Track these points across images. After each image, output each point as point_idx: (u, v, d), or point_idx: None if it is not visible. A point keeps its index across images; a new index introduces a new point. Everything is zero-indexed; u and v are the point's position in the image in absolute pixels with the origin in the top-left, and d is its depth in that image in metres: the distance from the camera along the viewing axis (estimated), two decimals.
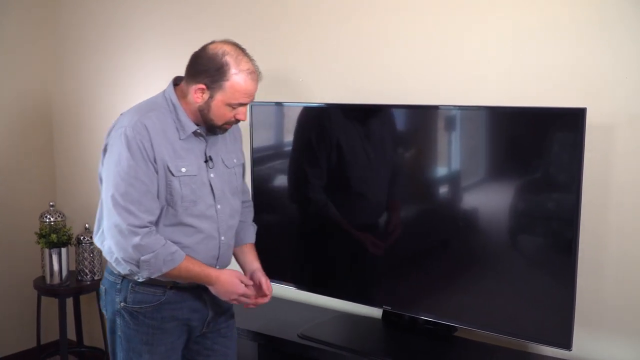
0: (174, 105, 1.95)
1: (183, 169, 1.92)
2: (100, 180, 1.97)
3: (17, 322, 3.52)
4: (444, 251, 2.20)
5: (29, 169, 3.56)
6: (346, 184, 2.38)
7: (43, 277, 3.17)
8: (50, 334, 3.49)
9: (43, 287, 3.15)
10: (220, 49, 1.90)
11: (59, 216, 3.16)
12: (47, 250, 3.09)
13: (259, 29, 2.74)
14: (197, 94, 1.92)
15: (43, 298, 3.26)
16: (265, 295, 2.08)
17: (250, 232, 2.24)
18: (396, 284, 2.30)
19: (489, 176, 2.14)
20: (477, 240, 2.13)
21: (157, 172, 1.88)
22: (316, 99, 2.56)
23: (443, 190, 2.25)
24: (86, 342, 3.47)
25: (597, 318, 2.10)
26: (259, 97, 2.67)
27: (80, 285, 3.17)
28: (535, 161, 2.03)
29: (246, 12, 2.78)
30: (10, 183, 3.48)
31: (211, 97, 1.91)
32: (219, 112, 1.93)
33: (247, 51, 1.95)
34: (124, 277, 1.97)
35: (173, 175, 1.90)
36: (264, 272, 2.13)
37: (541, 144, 2.00)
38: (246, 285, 2.02)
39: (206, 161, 1.99)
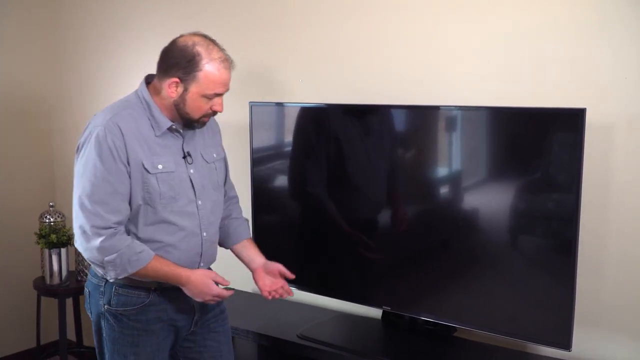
0: (147, 102, 1.93)
1: (160, 166, 1.91)
2: None
3: (17, 322, 3.52)
4: (444, 251, 2.20)
5: (28, 169, 3.56)
6: (346, 184, 2.37)
7: (43, 278, 3.17)
8: (50, 334, 3.49)
9: (43, 288, 3.15)
10: (190, 40, 1.89)
11: (58, 216, 3.16)
12: (46, 251, 3.09)
13: (259, 29, 2.74)
14: (171, 89, 1.90)
15: (43, 298, 3.26)
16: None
17: (245, 227, 2.23)
18: (396, 284, 2.30)
19: (489, 176, 2.13)
20: (477, 240, 2.13)
21: (129, 172, 1.87)
22: (316, 99, 2.56)
23: (443, 190, 2.25)
24: (86, 342, 3.46)
25: (597, 318, 2.10)
26: (259, 98, 2.69)
27: (80, 286, 3.16)
28: (535, 161, 2.03)
29: (246, 12, 2.78)
30: (10, 183, 3.48)
31: (186, 89, 1.89)
32: (195, 104, 1.91)
33: (218, 42, 1.93)
34: (107, 280, 1.94)
35: (149, 172, 1.89)
36: (272, 261, 2.15)
37: (541, 144, 2.00)
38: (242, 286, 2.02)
39: (184, 157, 1.98)
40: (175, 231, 1.94)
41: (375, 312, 2.44)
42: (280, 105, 2.54)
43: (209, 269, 2.07)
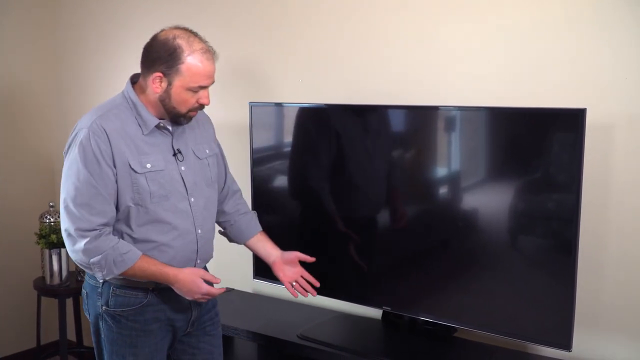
0: (133, 102, 1.92)
1: (148, 165, 1.89)
2: None
3: (17, 323, 3.52)
4: (444, 251, 2.20)
5: (28, 169, 3.56)
6: (346, 184, 2.37)
7: (43, 278, 3.17)
8: (50, 335, 3.49)
9: (43, 288, 3.15)
10: (170, 34, 1.88)
11: (58, 216, 3.16)
12: (47, 251, 3.09)
13: (259, 29, 2.74)
14: (155, 84, 1.88)
15: (43, 298, 3.26)
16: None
17: (255, 221, 2.24)
18: (396, 284, 2.30)
19: (489, 176, 2.13)
20: (477, 240, 2.13)
21: (116, 174, 1.86)
22: (316, 99, 2.56)
23: (443, 190, 2.25)
24: (86, 342, 3.46)
25: (597, 318, 2.10)
26: (259, 98, 2.69)
27: (80, 286, 3.15)
28: (535, 161, 2.03)
29: (246, 12, 2.78)
30: (10, 183, 3.48)
31: (169, 84, 1.87)
32: (180, 98, 1.89)
33: (200, 34, 1.92)
34: (104, 281, 1.94)
35: (137, 172, 1.88)
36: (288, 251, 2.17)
37: (541, 145, 2.00)
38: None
39: (175, 154, 1.97)
40: (169, 230, 1.93)
41: (375, 312, 2.44)
42: (280, 105, 2.54)
43: (205, 267, 2.08)
